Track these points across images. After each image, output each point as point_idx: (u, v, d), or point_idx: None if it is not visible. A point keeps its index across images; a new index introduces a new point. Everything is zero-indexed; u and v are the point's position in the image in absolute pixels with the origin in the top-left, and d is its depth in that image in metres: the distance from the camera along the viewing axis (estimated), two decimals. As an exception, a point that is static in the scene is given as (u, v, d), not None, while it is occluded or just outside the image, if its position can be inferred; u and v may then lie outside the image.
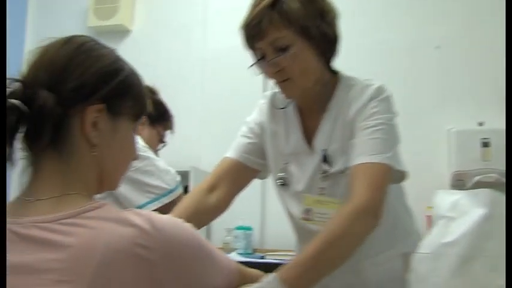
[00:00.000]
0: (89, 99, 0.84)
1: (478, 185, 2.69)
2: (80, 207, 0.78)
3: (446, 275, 0.78)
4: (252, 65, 1.31)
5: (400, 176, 1.28)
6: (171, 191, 1.77)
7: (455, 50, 3.04)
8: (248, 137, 1.47)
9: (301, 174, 1.37)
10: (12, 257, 0.75)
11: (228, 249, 3.00)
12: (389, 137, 1.24)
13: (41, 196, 0.81)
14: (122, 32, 3.63)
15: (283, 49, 1.24)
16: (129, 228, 0.76)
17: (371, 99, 1.27)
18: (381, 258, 1.32)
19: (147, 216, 0.80)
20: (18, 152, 0.82)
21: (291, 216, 1.43)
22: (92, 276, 0.72)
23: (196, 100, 3.41)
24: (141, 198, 1.70)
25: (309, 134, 1.38)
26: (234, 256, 2.81)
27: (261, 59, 1.28)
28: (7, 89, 0.80)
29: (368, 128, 1.22)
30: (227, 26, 3.54)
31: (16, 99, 0.78)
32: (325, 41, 1.28)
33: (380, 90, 1.29)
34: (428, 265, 0.82)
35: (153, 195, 1.73)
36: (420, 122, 2.95)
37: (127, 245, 0.75)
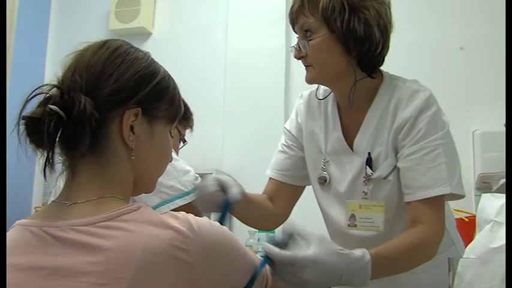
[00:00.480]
0: (126, 103, 0.85)
1: (504, 187, 2.65)
2: (117, 210, 0.79)
3: (494, 282, 0.76)
4: (290, 49, 1.35)
5: (458, 197, 1.22)
6: (186, 194, 1.65)
7: (480, 50, 3.00)
8: (285, 152, 1.49)
9: (342, 175, 1.35)
10: (47, 259, 0.75)
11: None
12: (451, 159, 1.21)
13: (78, 199, 0.82)
14: (143, 35, 3.65)
15: (308, 34, 1.27)
16: (167, 231, 0.76)
17: (421, 112, 1.24)
18: (419, 267, 1.23)
19: (184, 218, 0.80)
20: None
21: (330, 218, 1.41)
22: (131, 280, 0.72)
23: (218, 102, 3.41)
24: (153, 199, 1.57)
25: (348, 133, 1.35)
26: (257, 258, 2.80)
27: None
28: (44, 95, 0.81)
29: (428, 153, 1.19)
30: (248, 27, 3.56)
31: (54, 104, 0.79)
32: (351, 37, 1.24)
33: (429, 102, 1.25)
34: (475, 271, 0.80)
35: (167, 196, 1.62)
36: (445, 124, 2.92)
37: (165, 247, 0.75)
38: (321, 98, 1.41)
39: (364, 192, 1.28)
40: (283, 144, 1.50)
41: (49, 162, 0.81)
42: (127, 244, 0.74)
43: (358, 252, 0.99)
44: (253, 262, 0.89)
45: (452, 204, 2.53)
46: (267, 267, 0.91)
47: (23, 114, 0.79)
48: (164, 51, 3.53)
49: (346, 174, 1.33)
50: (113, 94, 0.84)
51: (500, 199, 0.88)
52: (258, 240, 3.03)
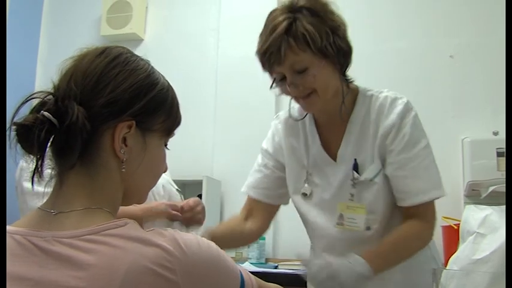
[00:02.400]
0: (120, 115, 0.83)
1: (494, 195, 2.66)
2: (104, 224, 0.77)
3: (476, 293, 0.77)
4: (271, 87, 1.36)
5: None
6: None
7: (469, 59, 3.02)
8: (261, 171, 1.56)
9: (327, 183, 1.41)
10: (32, 270, 0.74)
11: (241, 259, 2.99)
12: (434, 163, 1.35)
13: (64, 209, 0.80)
14: (134, 41, 3.64)
15: (302, 71, 1.28)
16: (153, 249, 0.75)
17: (402, 117, 1.33)
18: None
19: (171, 236, 0.78)
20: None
21: (315, 225, 1.47)
22: None
23: (209, 108, 3.42)
24: None
25: (329, 145, 1.42)
26: (247, 266, 2.79)
27: (281, 81, 1.32)
28: (38, 100, 0.80)
29: (422, 160, 1.31)
30: (240, 34, 3.56)
31: (47, 111, 0.77)
32: (341, 55, 1.31)
33: (408, 107, 1.35)
34: (458, 282, 0.81)
35: None
36: (434, 132, 2.90)
37: (150, 265, 0.73)
38: (299, 118, 1.47)
39: (351, 194, 1.35)
40: (260, 164, 1.57)
41: (38, 171, 0.79)
42: (112, 261, 0.73)
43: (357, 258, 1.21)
44: (240, 277, 0.88)
45: (441, 212, 2.55)
46: None
47: (15, 120, 0.77)
48: (156, 58, 3.47)
49: (331, 182, 1.40)
50: (107, 105, 0.82)
51: (483, 211, 0.88)
52: (248, 247, 3.03)
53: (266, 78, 1.38)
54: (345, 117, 1.39)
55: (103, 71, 0.83)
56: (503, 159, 2.72)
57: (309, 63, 1.27)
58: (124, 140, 0.84)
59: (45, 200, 0.85)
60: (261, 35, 1.33)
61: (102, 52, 0.86)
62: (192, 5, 3.65)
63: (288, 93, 1.35)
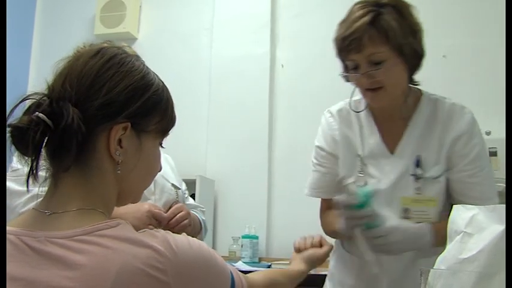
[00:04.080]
0: (115, 117, 0.83)
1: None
2: (96, 225, 0.77)
3: (463, 292, 0.78)
4: (343, 75, 1.41)
5: None
6: None
7: (462, 59, 3.04)
8: (319, 171, 1.57)
9: (383, 175, 1.45)
10: (24, 270, 0.75)
11: (234, 258, 3.00)
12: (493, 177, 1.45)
13: (58, 210, 0.80)
14: (128, 40, 3.63)
15: (378, 63, 1.32)
16: (145, 250, 0.75)
17: (472, 129, 1.41)
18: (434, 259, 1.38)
19: (163, 237, 0.79)
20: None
21: None
22: None
23: (202, 108, 3.42)
24: None
25: (386, 139, 1.47)
26: (240, 265, 2.80)
27: (353, 69, 1.36)
28: (33, 100, 0.79)
29: (488, 170, 1.41)
30: (233, 33, 3.56)
31: (42, 112, 0.77)
32: (415, 57, 1.38)
33: (475, 119, 1.44)
34: (445, 281, 0.81)
35: None
36: (427, 131, 2.95)
37: (142, 266, 0.74)
38: (358, 110, 1.50)
39: (416, 188, 1.41)
40: (315, 163, 1.58)
41: (32, 173, 0.79)
42: (103, 261, 0.73)
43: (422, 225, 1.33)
44: (231, 278, 0.89)
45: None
46: None
47: (9, 121, 0.77)
48: (149, 57, 3.47)
49: (387, 174, 1.44)
50: (102, 107, 0.81)
51: (470, 210, 0.89)
52: (242, 246, 3.04)
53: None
54: (407, 116, 1.45)
55: (98, 72, 0.83)
56: (495, 159, 2.73)
57: (385, 57, 1.32)
58: (119, 141, 0.84)
59: (26, 198, 0.85)
60: (342, 22, 1.37)
61: (97, 53, 0.86)
62: (186, 4, 3.65)
63: (356, 83, 1.39)
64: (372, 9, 1.33)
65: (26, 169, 0.80)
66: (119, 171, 0.85)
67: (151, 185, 1.67)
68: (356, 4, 1.38)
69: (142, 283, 0.74)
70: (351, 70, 1.38)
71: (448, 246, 0.84)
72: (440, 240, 1.26)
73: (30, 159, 0.79)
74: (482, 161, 1.41)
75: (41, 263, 0.75)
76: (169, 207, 1.65)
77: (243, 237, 3.05)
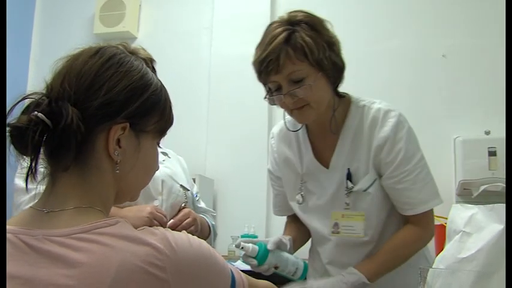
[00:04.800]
0: (114, 117, 0.83)
1: (485, 194, 2.67)
2: (94, 223, 0.77)
3: (462, 291, 0.78)
4: (266, 97, 1.39)
5: None
6: None
7: (461, 58, 3.04)
8: (273, 192, 1.66)
9: (321, 190, 1.46)
10: (22, 268, 0.74)
11: (234, 257, 2.99)
12: (430, 174, 1.41)
13: (55, 208, 0.80)
14: (127, 39, 3.63)
15: (299, 81, 1.31)
16: (144, 247, 0.75)
17: (396, 131, 1.37)
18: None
19: (162, 235, 0.79)
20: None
21: (313, 230, 1.53)
22: None
23: (202, 107, 3.42)
24: None
25: (322, 153, 1.47)
26: (239, 264, 2.79)
27: (276, 91, 1.35)
28: (32, 100, 0.79)
29: (419, 173, 1.37)
30: (233, 33, 3.56)
31: (42, 111, 0.77)
32: (335, 70, 1.36)
33: (401, 121, 1.39)
34: (444, 280, 0.81)
35: None
36: (426, 131, 2.93)
37: (141, 264, 0.74)
38: (293, 129, 1.51)
39: (346, 203, 1.41)
40: (271, 185, 1.66)
41: (31, 172, 0.79)
42: (102, 259, 0.73)
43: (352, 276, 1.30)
44: (231, 277, 0.89)
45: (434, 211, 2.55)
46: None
47: (8, 121, 0.77)
48: (149, 56, 3.52)
49: (325, 189, 1.45)
50: (101, 107, 0.81)
51: (469, 210, 0.89)
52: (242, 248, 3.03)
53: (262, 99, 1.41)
54: (338, 128, 1.43)
55: (97, 72, 0.83)
56: (494, 159, 2.73)
57: (305, 74, 1.31)
58: (118, 141, 0.84)
59: (30, 196, 0.85)
60: (259, 45, 1.36)
61: (96, 52, 0.86)
62: (186, 3, 3.64)
63: (281, 105, 1.38)
64: (286, 28, 1.32)
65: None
66: (117, 171, 0.85)
67: (159, 186, 1.65)
68: (271, 24, 1.37)
69: (142, 281, 0.74)
70: (274, 92, 1.36)
71: (447, 246, 0.85)
72: (382, 271, 1.34)
73: (29, 159, 0.79)
74: (410, 166, 1.37)
75: (40, 261, 0.74)
76: (178, 211, 1.64)
77: (242, 236, 3.05)
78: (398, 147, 1.37)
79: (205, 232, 1.72)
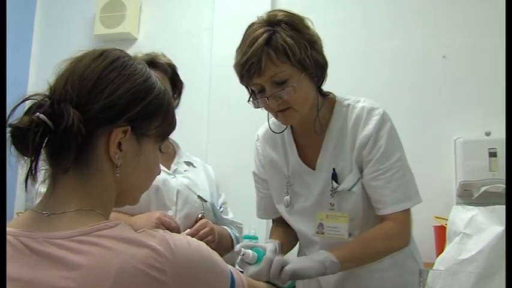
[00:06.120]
0: (116, 120, 0.83)
1: (485, 195, 2.67)
2: (94, 225, 0.78)
3: (462, 293, 0.78)
4: (250, 100, 1.39)
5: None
6: None
7: (462, 59, 3.03)
8: (258, 195, 1.63)
9: (308, 192, 1.45)
10: (22, 271, 0.75)
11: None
12: (410, 174, 1.39)
13: (56, 210, 0.81)
14: (128, 40, 3.63)
15: (282, 82, 1.30)
16: (144, 250, 0.76)
17: (378, 129, 1.36)
18: (376, 266, 1.40)
19: (162, 237, 0.79)
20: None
21: (300, 232, 1.52)
22: None
23: (203, 107, 3.42)
24: None
25: (307, 154, 1.46)
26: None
27: (259, 93, 1.34)
28: (34, 101, 0.80)
29: (395, 172, 1.35)
30: (234, 34, 3.53)
31: (43, 112, 0.77)
32: (318, 69, 1.35)
33: (384, 119, 1.38)
34: (444, 282, 0.81)
35: None
36: (427, 132, 2.94)
37: (141, 266, 0.74)
38: (277, 131, 1.50)
39: (331, 203, 1.39)
40: (256, 187, 1.64)
41: (31, 173, 0.80)
42: (102, 261, 0.73)
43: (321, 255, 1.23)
44: (231, 277, 0.89)
45: (433, 212, 2.55)
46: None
47: (9, 122, 0.77)
48: (149, 57, 3.52)
49: (311, 190, 1.44)
50: (103, 110, 0.82)
51: (470, 211, 0.89)
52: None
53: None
54: (323, 128, 1.42)
55: (100, 74, 0.83)
56: (495, 160, 2.73)
57: (288, 75, 1.30)
58: (119, 145, 0.84)
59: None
60: (240, 48, 1.35)
61: (100, 55, 0.86)
62: (186, 4, 3.64)
63: (265, 107, 1.37)
64: (267, 29, 1.30)
65: None
66: (117, 174, 0.85)
67: (174, 196, 1.64)
68: (250, 26, 1.37)
69: (142, 283, 0.74)
70: (258, 94, 1.35)
71: (447, 247, 0.85)
72: (351, 257, 1.28)
73: (29, 160, 0.79)
74: (386, 164, 1.35)
75: (40, 264, 0.75)
76: (195, 222, 1.63)
77: (243, 237, 3.04)
78: (379, 144, 1.36)
79: (227, 243, 1.69)
